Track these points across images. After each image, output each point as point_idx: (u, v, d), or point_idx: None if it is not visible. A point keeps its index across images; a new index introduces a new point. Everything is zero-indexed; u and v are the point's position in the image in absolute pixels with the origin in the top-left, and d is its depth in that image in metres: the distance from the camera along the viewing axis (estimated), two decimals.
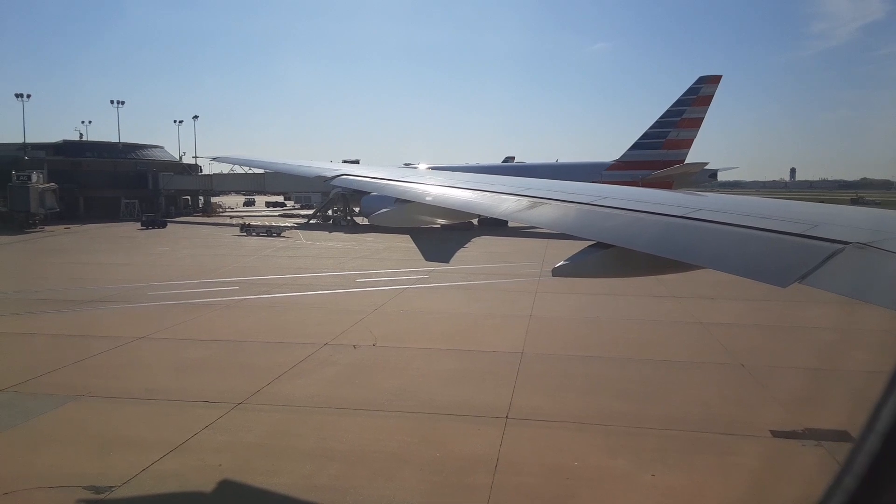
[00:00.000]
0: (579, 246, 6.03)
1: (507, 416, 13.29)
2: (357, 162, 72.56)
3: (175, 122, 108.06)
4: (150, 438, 12.20)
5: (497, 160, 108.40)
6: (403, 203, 9.41)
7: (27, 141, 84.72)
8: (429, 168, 58.90)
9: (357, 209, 71.85)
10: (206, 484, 10.40)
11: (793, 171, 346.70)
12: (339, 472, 10.90)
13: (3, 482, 10.20)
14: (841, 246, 4.03)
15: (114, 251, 46.94)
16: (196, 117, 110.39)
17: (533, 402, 14.35)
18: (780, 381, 16.30)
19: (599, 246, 5.84)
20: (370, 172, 11.13)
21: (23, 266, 40.07)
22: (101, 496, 9.80)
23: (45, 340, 20.05)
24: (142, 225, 68.70)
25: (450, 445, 12.03)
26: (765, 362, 17.87)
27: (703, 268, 5.02)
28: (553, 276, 6.22)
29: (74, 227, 66.31)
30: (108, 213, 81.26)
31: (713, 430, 12.83)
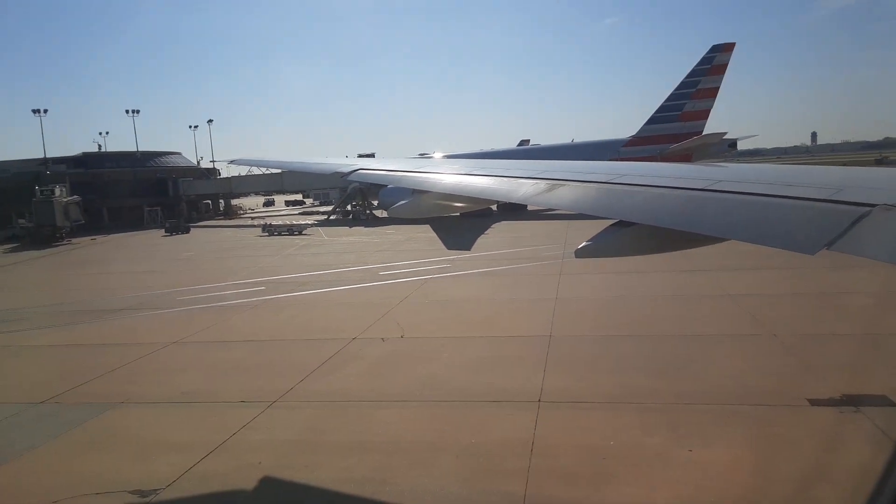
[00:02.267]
0: (600, 226, 6.02)
1: (539, 400, 13.32)
2: (372, 156, 72.62)
3: (190, 127, 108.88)
4: (190, 440, 12.44)
5: (512, 144, 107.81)
6: (421, 193, 9.44)
7: (48, 156, 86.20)
8: (444, 157, 59.02)
9: (375, 202, 72.10)
10: (248, 482, 10.59)
11: (814, 134, 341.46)
12: (377, 463, 11.04)
13: (50, 491, 10.47)
14: (867, 209, 3.98)
15: (141, 259, 47.66)
16: (211, 121, 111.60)
17: (564, 384, 14.36)
18: (813, 349, 16.12)
19: (621, 224, 5.82)
20: (386, 165, 11.16)
21: (53, 279, 40.85)
22: (147, 499, 10.03)
23: (81, 351, 20.48)
24: (166, 231, 69.65)
25: (484, 431, 12.11)
26: (797, 331, 17.68)
27: (728, 240, 5.00)
28: (576, 257, 6.22)
29: (100, 238, 67.40)
30: (132, 221, 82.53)
31: (749, 401, 12.74)
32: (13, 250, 60.06)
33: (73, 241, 64.94)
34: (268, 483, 10.60)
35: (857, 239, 3.78)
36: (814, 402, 12.43)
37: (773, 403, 12.59)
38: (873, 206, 3.99)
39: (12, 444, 12.77)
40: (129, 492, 10.28)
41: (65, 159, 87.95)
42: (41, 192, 67.05)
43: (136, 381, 16.61)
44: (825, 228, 4.02)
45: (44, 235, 63.97)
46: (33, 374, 18.14)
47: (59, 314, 26.29)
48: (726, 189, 5.28)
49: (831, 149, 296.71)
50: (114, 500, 10.06)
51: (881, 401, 12.15)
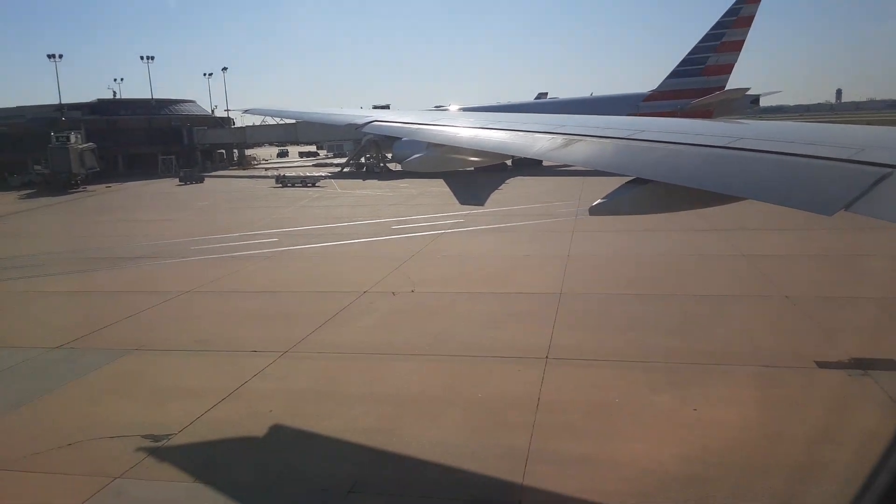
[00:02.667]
0: (616, 183, 5.91)
1: (546, 357, 13.38)
2: (387, 107, 71.86)
3: (205, 74, 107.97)
4: (203, 387, 12.66)
5: (529, 97, 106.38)
6: (436, 147, 9.33)
7: (63, 102, 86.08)
8: (460, 109, 58.36)
9: (390, 155, 71.68)
10: (259, 429, 10.79)
11: (839, 92, 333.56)
12: (386, 413, 11.19)
13: (65, 434, 10.73)
14: (889, 170, 3.86)
15: (155, 208, 47.91)
16: (226, 69, 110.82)
17: (573, 341, 14.40)
18: (825, 311, 16.01)
19: (637, 182, 5.72)
20: (401, 117, 11.00)
21: (69, 226, 41.23)
22: (160, 444, 10.26)
23: (96, 297, 20.77)
24: (180, 181, 69.71)
25: (492, 386, 12.21)
26: (810, 293, 17.54)
27: (745, 199, 4.89)
28: (590, 214, 6.14)
29: (115, 186, 67.70)
30: (147, 169, 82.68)
31: (757, 362, 12.72)
32: (29, 196, 60.57)
33: (88, 188, 65.29)
34: (278, 430, 10.80)
35: (877, 200, 3.68)
36: (821, 365, 12.40)
37: (780, 365, 12.56)
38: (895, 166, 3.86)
39: (28, 388, 13.06)
40: (142, 436, 10.50)
41: (80, 105, 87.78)
42: (56, 138, 67.14)
43: (151, 328, 16.85)
44: (844, 189, 3.91)
45: (59, 182, 64.35)
46: (49, 319, 18.45)
47: (75, 261, 26.59)
48: (746, 147, 5.15)
49: (856, 107, 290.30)
50: (127, 443, 10.29)
51: (890, 365, 12.11)
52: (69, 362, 14.47)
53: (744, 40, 64.25)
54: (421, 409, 11.39)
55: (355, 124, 11.05)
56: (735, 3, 63.32)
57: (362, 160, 77.86)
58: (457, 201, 40.12)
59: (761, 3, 62.84)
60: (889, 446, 2.21)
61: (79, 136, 69.79)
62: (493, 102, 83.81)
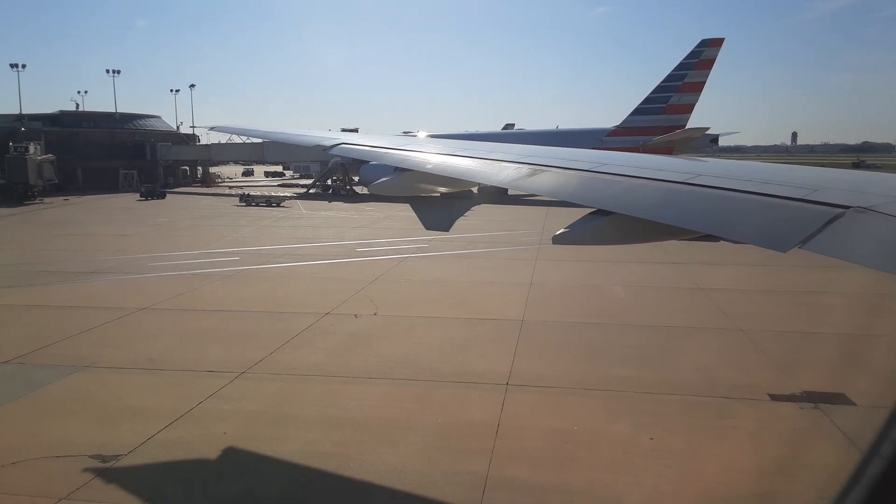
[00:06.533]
0: (579, 213, 6.01)
1: (507, 383, 13.40)
2: (356, 131, 71.97)
3: (172, 91, 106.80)
4: (155, 407, 12.32)
5: (497, 127, 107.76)
6: (403, 172, 9.37)
7: (23, 112, 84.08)
8: (428, 136, 58.66)
9: (356, 178, 71.51)
10: (212, 451, 10.54)
11: (794, 135, 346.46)
12: (343, 438, 11.04)
13: (10, 452, 10.34)
14: (841, 210, 4.02)
15: (114, 223, 46.91)
16: (193, 86, 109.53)
17: (533, 368, 14.47)
18: (778, 345, 16.40)
19: (600, 213, 5.83)
20: (369, 141, 11.07)
21: (23, 238, 40.05)
22: (108, 465, 9.94)
23: (47, 312, 20.14)
24: (141, 196, 68.46)
25: (451, 412, 12.16)
26: (764, 327, 17.96)
27: (702, 233, 5.02)
28: (553, 243, 6.23)
29: (73, 199, 66.15)
30: (107, 184, 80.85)
31: (712, 394, 12.95)
32: None
33: (46, 200, 63.65)
34: (231, 453, 10.56)
35: (830, 239, 3.82)
36: (774, 398, 12.68)
37: (734, 397, 12.80)
38: (847, 207, 4.03)
39: None
40: (90, 456, 10.17)
41: (41, 116, 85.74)
42: (15, 148, 65.46)
43: (104, 345, 16.39)
44: (799, 227, 4.05)
45: (15, 193, 62.59)
46: None
47: (27, 274, 25.82)
48: (704, 183, 5.31)
49: (810, 149, 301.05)
50: (75, 464, 9.95)
51: (839, 399, 12.42)
52: (17, 378, 13.98)
53: (704, 82, 66.30)
54: (379, 433, 11.26)
55: (323, 146, 11.08)
56: (697, 46, 65.44)
57: (329, 182, 77.59)
58: (422, 226, 40.07)
59: (722, 47, 65.22)
60: (852, 475, 2.25)
61: (38, 147, 68.13)
62: (461, 131, 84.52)
